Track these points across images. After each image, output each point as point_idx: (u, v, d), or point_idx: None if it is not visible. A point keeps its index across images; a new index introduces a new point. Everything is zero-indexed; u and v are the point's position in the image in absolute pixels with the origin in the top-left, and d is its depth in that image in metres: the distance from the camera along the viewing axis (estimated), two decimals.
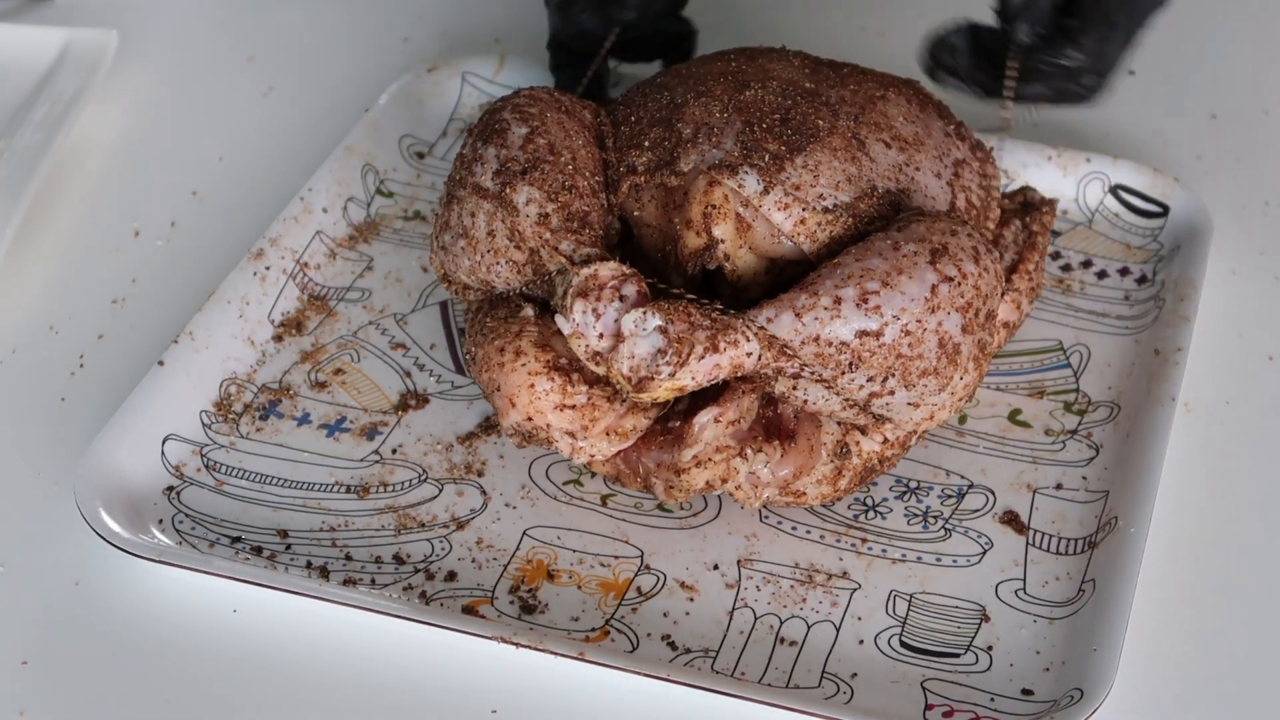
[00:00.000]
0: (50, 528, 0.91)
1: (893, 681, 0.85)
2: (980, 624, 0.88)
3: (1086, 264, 1.07)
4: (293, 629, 0.87)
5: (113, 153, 1.17)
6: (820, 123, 0.93)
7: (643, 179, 0.93)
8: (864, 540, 0.91)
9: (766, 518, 0.92)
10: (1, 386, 1.00)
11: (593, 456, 0.89)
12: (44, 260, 1.08)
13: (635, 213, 0.94)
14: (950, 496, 0.94)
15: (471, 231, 0.92)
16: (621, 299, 0.85)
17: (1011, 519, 0.92)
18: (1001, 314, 0.96)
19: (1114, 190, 1.10)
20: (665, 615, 0.88)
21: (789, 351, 0.84)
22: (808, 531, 0.92)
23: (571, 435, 0.89)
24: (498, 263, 0.91)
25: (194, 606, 0.87)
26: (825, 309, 0.84)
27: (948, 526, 0.92)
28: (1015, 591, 0.89)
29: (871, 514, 0.93)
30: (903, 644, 0.87)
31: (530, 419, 0.88)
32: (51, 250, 1.09)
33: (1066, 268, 1.07)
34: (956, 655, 0.86)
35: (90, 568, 0.89)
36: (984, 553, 0.91)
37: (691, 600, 0.88)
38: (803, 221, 0.90)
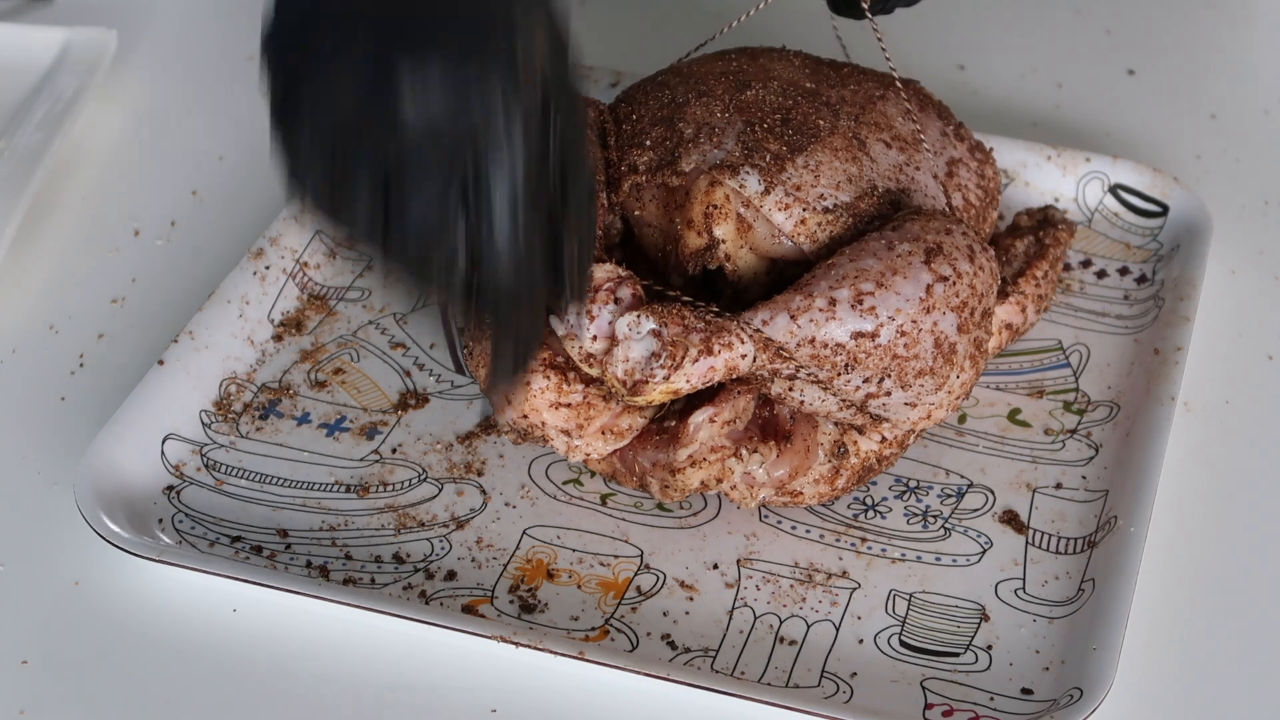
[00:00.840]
0: (50, 528, 0.91)
1: (892, 681, 0.85)
2: (980, 623, 0.88)
3: (1086, 263, 1.07)
4: (293, 628, 0.86)
5: (113, 153, 1.17)
6: (821, 123, 0.93)
7: (644, 178, 0.93)
8: (864, 539, 0.91)
9: (766, 517, 0.92)
10: (1, 386, 1.00)
11: (588, 455, 0.89)
12: (44, 260, 1.08)
13: (636, 212, 0.93)
14: (950, 496, 0.94)
15: None
16: (616, 301, 0.85)
17: (1011, 518, 0.92)
18: (1004, 315, 0.96)
19: (1113, 190, 1.10)
20: (665, 614, 0.88)
21: (784, 353, 0.84)
22: (807, 531, 0.92)
23: (567, 433, 0.89)
24: None
25: (194, 606, 0.87)
26: (820, 310, 0.84)
27: (947, 526, 0.92)
28: (1015, 591, 0.89)
29: (871, 513, 0.93)
30: (902, 643, 0.87)
31: (525, 416, 0.88)
32: (51, 250, 1.09)
33: (1066, 267, 1.07)
34: (956, 654, 0.86)
35: (90, 568, 0.89)
36: (983, 552, 0.91)
37: (691, 600, 0.88)
38: (803, 222, 0.90)
